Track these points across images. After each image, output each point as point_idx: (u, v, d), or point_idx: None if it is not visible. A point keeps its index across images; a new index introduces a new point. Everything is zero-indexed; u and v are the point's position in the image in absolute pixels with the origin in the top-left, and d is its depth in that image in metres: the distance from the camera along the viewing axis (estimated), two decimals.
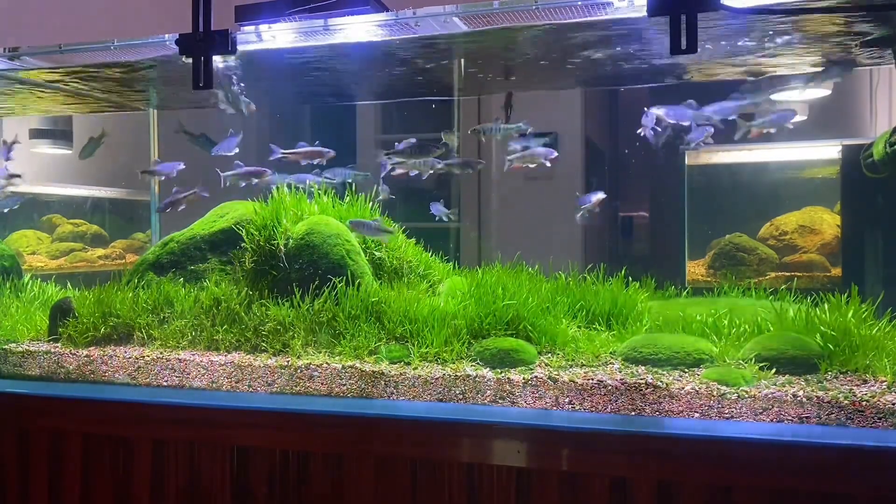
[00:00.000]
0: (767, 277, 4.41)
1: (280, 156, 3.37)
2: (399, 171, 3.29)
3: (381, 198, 3.39)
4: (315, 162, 3.43)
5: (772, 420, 2.15)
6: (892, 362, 2.29)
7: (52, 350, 2.95)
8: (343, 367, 2.56)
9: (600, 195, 3.23)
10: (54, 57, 3.00)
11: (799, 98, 4.47)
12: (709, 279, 4.51)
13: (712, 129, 3.00)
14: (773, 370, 2.33)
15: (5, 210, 4.43)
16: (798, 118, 4.57)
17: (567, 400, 2.33)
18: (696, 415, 2.22)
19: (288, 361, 2.64)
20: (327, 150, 3.38)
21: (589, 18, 2.43)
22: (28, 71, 3.17)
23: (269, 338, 2.79)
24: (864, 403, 2.09)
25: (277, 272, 3.00)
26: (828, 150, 4.21)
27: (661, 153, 3.19)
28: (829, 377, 2.30)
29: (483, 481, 2.31)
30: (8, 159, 3.97)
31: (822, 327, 2.47)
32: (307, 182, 3.41)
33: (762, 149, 4.54)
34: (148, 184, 4.61)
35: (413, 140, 3.28)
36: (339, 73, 3.33)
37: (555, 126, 4.61)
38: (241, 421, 2.57)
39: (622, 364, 2.49)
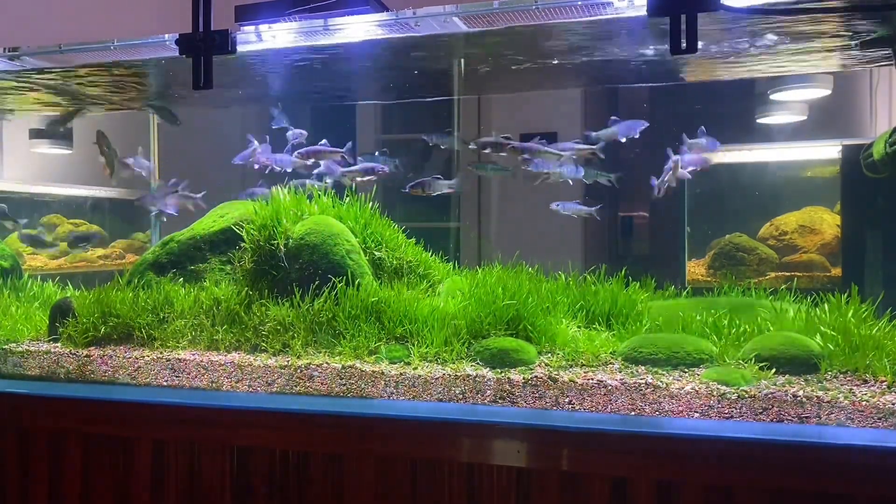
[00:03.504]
0: (767, 277, 4.41)
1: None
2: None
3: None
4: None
5: (772, 420, 2.15)
6: (892, 362, 2.29)
7: (52, 350, 2.95)
8: (343, 367, 2.56)
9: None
10: (54, 57, 3.00)
11: (799, 98, 4.49)
12: (709, 279, 4.51)
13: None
14: (773, 370, 2.33)
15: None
16: (798, 118, 4.58)
17: (567, 400, 2.33)
18: (696, 415, 2.22)
19: (288, 361, 2.64)
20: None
21: (589, 18, 2.43)
22: (28, 71, 3.17)
23: (269, 338, 2.79)
24: (864, 403, 2.09)
25: (277, 272, 3.00)
26: (828, 150, 4.21)
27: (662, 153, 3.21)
28: (829, 377, 2.30)
29: (483, 481, 2.31)
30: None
31: (822, 327, 2.47)
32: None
33: (762, 149, 4.54)
34: (148, 184, 4.61)
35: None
36: (340, 72, 3.33)
37: (555, 126, 4.61)
38: (241, 421, 2.57)
39: (622, 364, 2.49)
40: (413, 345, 2.66)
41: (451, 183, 3.44)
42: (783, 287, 3.09)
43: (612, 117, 3.23)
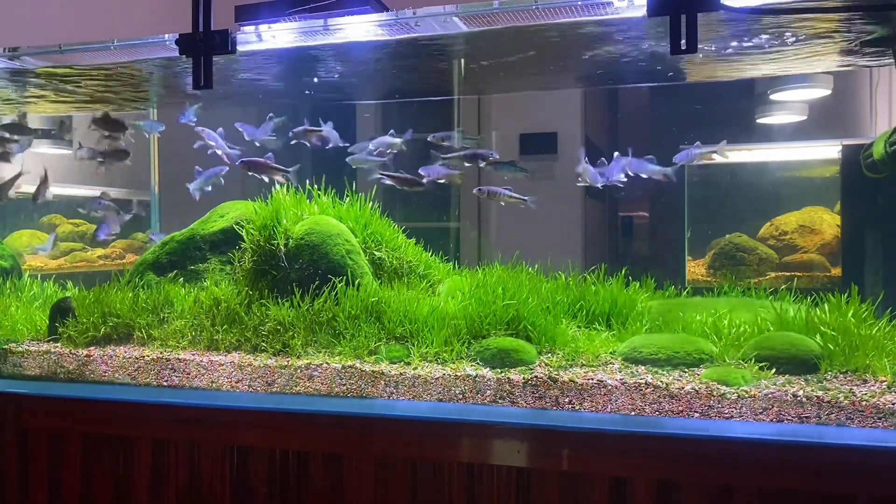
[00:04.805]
0: (767, 277, 4.41)
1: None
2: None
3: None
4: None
5: (772, 420, 2.15)
6: (892, 362, 2.29)
7: (52, 350, 2.95)
8: (343, 367, 2.56)
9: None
10: (54, 57, 3.00)
11: (799, 98, 4.49)
12: (709, 279, 4.51)
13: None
14: (773, 370, 2.33)
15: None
16: (798, 118, 4.58)
17: (567, 400, 2.33)
18: (696, 415, 2.22)
19: (288, 361, 2.64)
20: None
21: (589, 18, 2.43)
22: (28, 71, 3.17)
23: (269, 338, 2.79)
24: (864, 403, 2.09)
25: (277, 272, 3.00)
26: (828, 150, 4.21)
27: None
28: (829, 377, 2.30)
29: (483, 481, 2.31)
30: None
31: (822, 327, 2.47)
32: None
33: (762, 149, 4.55)
34: (148, 183, 4.61)
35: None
36: (341, 71, 3.33)
37: (555, 126, 4.61)
38: (241, 421, 2.57)
39: (622, 364, 2.49)
40: (413, 345, 2.66)
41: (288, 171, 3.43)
42: (783, 287, 3.09)
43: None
